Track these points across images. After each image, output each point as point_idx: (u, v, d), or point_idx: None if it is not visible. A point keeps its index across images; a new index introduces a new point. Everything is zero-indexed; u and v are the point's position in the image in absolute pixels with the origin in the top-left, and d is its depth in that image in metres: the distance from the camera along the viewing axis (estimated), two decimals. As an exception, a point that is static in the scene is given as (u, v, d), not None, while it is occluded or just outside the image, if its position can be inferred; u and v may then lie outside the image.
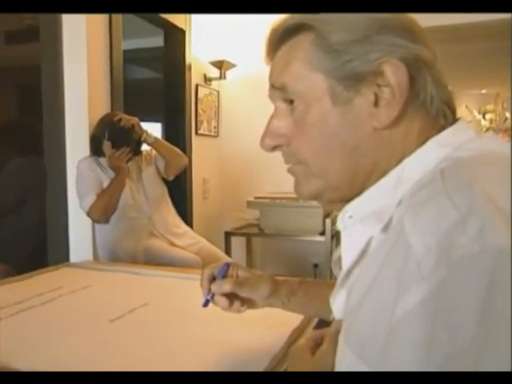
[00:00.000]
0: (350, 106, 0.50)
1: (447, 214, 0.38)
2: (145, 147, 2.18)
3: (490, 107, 7.06)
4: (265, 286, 0.83)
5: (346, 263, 0.55)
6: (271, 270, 3.08)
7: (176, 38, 2.82)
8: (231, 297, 0.81)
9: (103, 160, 2.01)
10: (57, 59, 2.09)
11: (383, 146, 0.51)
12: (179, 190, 2.79)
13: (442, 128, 0.51)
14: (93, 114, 2.10)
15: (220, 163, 3.29)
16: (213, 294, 0.81)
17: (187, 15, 2.83)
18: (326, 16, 0.51)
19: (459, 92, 6.63)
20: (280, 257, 3.15)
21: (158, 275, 1.42)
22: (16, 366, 0.79)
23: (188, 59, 2.86)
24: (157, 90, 3.30)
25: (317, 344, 0.59)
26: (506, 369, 0.32)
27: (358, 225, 0.52)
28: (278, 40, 0.56)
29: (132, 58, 3.41)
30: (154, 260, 1.91)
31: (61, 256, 1.93)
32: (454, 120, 0.53)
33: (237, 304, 0.82)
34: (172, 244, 2.11)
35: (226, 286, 0.80)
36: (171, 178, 2.25)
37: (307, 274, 2.95)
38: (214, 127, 3.22)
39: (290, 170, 0.58)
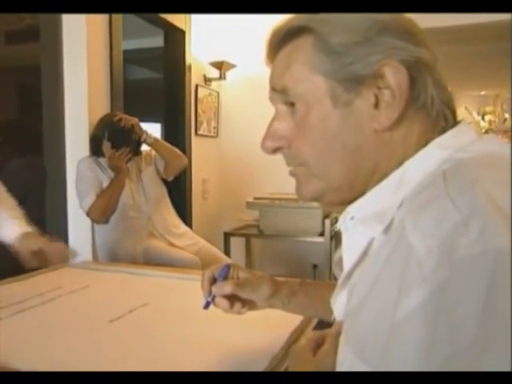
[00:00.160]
0: (350, 107, 0.51)
1: (449, 216, 0.38)
2: (144, 147, 2.19)
3: (489, 108, 7.07)
4: (265, 286, 0.83)
5: (347, 264, 0.55)
6: (270, 270, 3.08)
7: (176, 39, 2.83)
8: (232, 298, 0.81)
9: (103, 160, 2.02)
10: (57, 59, 2.09)
11: (384, 147, 0.51)
12: (179, 191, 2.79)
13: (443, 130, 0.51)
14: (93, 114, 2.10)
15: (219, 164, 3.29)
16: (214, 296, 0.80)
17: (187, 16, 2.83)
18: (326, 18, 0.52)
19: (458, 93, 6.63)
20: (279, 257, 3.15)
21: (158, 275, 1.42)
22: (16, 365, 0.79)
23: (188, 60, 2.86)
24: (156, 91, 3.30)
25: (318, 344, 0.59)
26: (507, 369, 0.32)
27: (360, 226, 0.53)
28: (278, 42, 0.56)
29: (132, 58, 3.41)
30: (154, 260, 1.91)
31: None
32: (455, 122, 0.53)
33: (238, 305, 0.81)
34: (171, 244, 2.11)
35: (227, 288, 0.80)
36: (171, 178, 2.25)
37: (306, 274, 2.95)
38: (214, 128, 3.22)
39: (291, 172, 0.58)
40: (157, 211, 2.13)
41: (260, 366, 0.79)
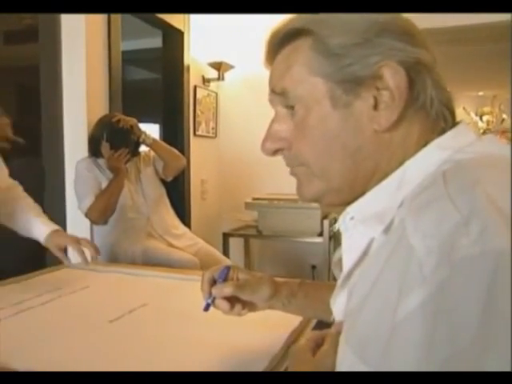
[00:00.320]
0: (349, 109, 0.51)
1: (449, 216, 0.38)
2: (143, 148, 2.19)
3: (487, 109, 7.08)
4: (265, 288, 0.83)
5: (346, 264, 0.55)
6: (269, 271, 3.08)
7: (174, 39, 2.83)
8: (232, 300, 0.81)
9: (101, 161, 2.01)
10: (55, 59, 2.09)
11: (384, 148, 0.52)
12: (177, 191, 2.79)
13: (443, 131, 0.52)
14: (91, 114, 2.10)
15: (218, 164, 3.29)
16: (214, 298, 0.80)
17: (185, 16, 2.83)
18: (324, 19, 0.52)
19: (457, 94, 6.64)
20: (278, 258, 3.15)
21: (157, 276, 1.42)
22: (15, 366, 0.79)
23: (186, 60, 2.86)
24: (155, 91, 3.30)
25: (317, 344, 0.59)
26: (507, 369, 0.32)
27: (360, 226, 0.53)
28: (277, 44, 0.56)
29: (130, 58, 3.40)
30: (153, 261, 1.91)
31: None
32: (454, 123, 0.53)
33: (238, 307, 0.81)
34: (170, 245, 2.11)
35: (227, 290, 0.80)
36: (169, 179, 2.25)
37: (305, 275, 2.95)
38: (212, 128, 3.22)
39: (292, 173, 0.59)
40: (156, 212, 2.13)
41: (259, 366, 0.79)
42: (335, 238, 2.65)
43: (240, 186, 3.17)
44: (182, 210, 2.78)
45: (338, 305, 0.59)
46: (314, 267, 3.01)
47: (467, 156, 0.47)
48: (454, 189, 0.41)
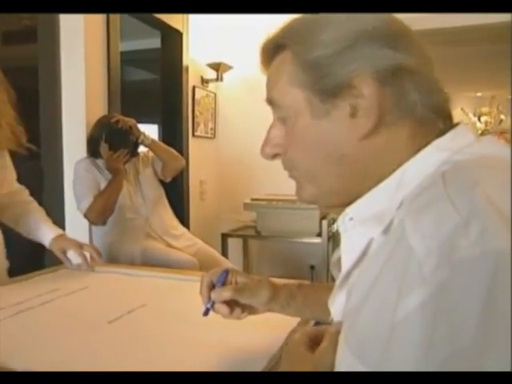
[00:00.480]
0: (328, 118, 0.52)
1: (449, 218, 0.38)
2: (142, 149, 2.19)
3: (485, 110, 7.10)
4: (264, 291, 0.82)
5: (345, 264, 0.56)
6: (268, 271, 3.08)
7: (173, 40, 2.83)
8: (231, 304, 0.80)
9: (100, 161, 2.01)
10: (54, 60, 2.09)
11: (369, 154, 0.52)
12: (176, 192, 2.79)
13: (441, 132, 0.52)
14: (90, 115, 2.10)
15: (217, 165, 3.29)
16: (213, 302, 0.80)
17: (184, 17, 2.83)
18: (300, 34, 0.54)
19: (455, 94, 6.62)
20: (277, 258, 3.15)
21: (156, 277, 1.42)
22: (14, 366, 0.79)
23: (185, 61, 2.87)
24: (154, 92, 3.30)
25: (311, 339, 0.59)
26: (507, 370, 0.33)
27: (359, 227, 0.53)
28: (269, 54, 0.59)
29: (129, 59, 3.41)
30: (152, 261, 1.91)
31: (58, 258, 1.92)
32: (452, 124, 0.54)
33: (237, 311, 0.81)
34: (169, 245, 2.11)
35: (226, 294, 0.79)
36: (168, 179, 2.25)
37: (304, 275, 2.95)
38: (211, 129, 3.22)
39: (290, 176, 0.61)
40: (154, 212, 2.13)
41: (258, 366, 0.79)
42: (334, 239, 2.66)
43: (239, 187, 3.17)
44: (181, 211, 2.78)
45: (337, 305, 0.59)
46: (312, 267, 3.02)
47: (466, 157, 0.47)
48: (454, 190, 0.41)
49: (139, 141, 2.08)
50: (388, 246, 0.43)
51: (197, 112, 3.01)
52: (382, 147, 0.52)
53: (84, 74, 2.08)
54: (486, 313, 0.34)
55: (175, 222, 2.26)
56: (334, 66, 0.51)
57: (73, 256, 1.51)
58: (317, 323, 0.93)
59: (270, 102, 0.58)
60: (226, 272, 0.83)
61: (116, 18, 2.26)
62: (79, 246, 1.50)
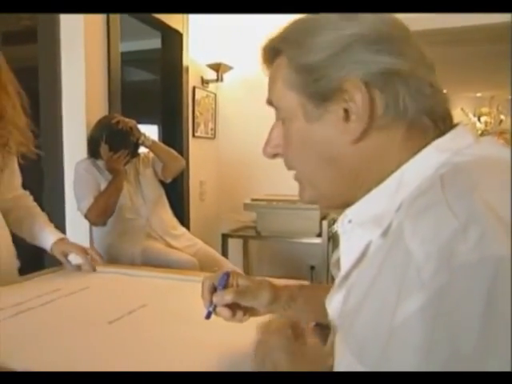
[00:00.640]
0: (321, 121, 0.53)
1: (447, 222, 0.38)
2: (142, 149, 2.19)
3: (485, 110, 7.11)
4: (266, 293, 0.82)
5: (344, 265, 0.56)
6: (268, 272, 3.08)
7: (173, 41, 2.83)
8: (233, 306, 0.80)
9: (101, 162, 2.02)
10: (54, 61, 2.09)
11: (362, 157, 0.53)
12: (176, 192, 2.79)
13: (441, 133, 0.52)
14: (90, 115, 2.10)
15: (217, 165, 3.29)
16: (215, 306, 0.80)
17: (184, 17, 2.83)
18: (294, 38, 0.55)
19: (454, 95, 6.66)
20: (277, 259, 3.15)
21: (156, 277, 1.42)
22: (15, 367, 0.79)
23: (185, 61, 2.87)
24: (154, 92, 3.30)
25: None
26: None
27: (357, 229, 0.54)
28: (270, 56, 0.59)
29: (129, 60, 3.41)
30: (152, 262, 1.91)
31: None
32: (452, 125, 0.54)
33: (239, 314, 0.81)
34: (169, 245, 2.11)
35: (228, 297, 0.79)
36: (169, 180, 2.25)
37: (304, 276, 2.95)
38: (211, 129, 3.22)
39: (294, 177, 0.62)
40: (155, 213, 2.13)
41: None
42: (334, 239, 2.66)
43: (239, 187, 3.17)
44: (181, 211, 2.78)
45: (334, 304, 0.59)
46: (312, 268, 3.02)
47: (465, 158, 0.47)
48: (452, 194, 0.41)
49: (139, 142, 2.08)
50: (386, 249, 0.44)
51: (197, 112, 3.01)
52: (374, 150, 0.52)
53: (84, 75, 2.08)
54: (487, 318, 0.34)
55: (175, 222, 2.26)
56: (326, 70, 0.51)
57: (73, 257, 1.51)
58: (317, 323, 0.94)
59: (270, 103, 0.59)
60: (227, 275, 0.83)
61: (116, 18, 2.26)
62: (81, 249, 1.51)
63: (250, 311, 0.83)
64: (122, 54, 2.36)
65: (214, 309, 0.80)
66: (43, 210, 1.61)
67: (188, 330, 0.97)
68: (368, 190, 0.53)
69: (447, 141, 0.51)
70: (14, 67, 1.39)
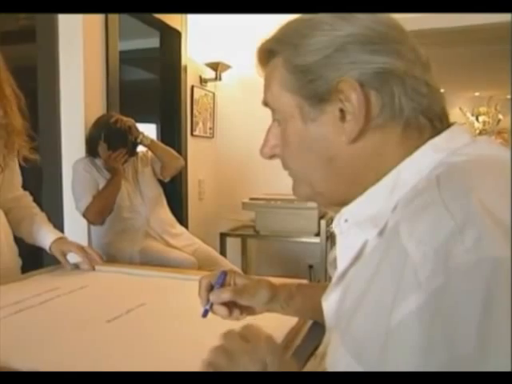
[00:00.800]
0: (317, 122, 0.53)
1: (444, 224, 0.38)
2: (141, 148, 2.19)
3: (483, 109, 7.12)
4: (264, 292, 0.82)
5: (341, 265, 0.56)
6: (266, 271, 3.09)
7: (172, 40, 2.83)
8: (230, 305, 0.80)
9: (99, 161, 2.02)
10: (53, 60, 2.09)
11: (359, 157, 0.53)
12: (175, 192, 2.79)
13: (437, 132, 0.52)
14: (89, 114, 2.10)
15: (215, 164, 3.29)
16: (211, 304, 0.80)
17: (183, 17, 2.83)
18: (290, 40, 0.55)
19: (453, 94, 6.67)
20: (275, 258, 3.16)
21: (155, 276, 1.42)
22: (13, 366, 0.79)
23: (184, 61, 2.86)
24: (152, 91, 3.30)
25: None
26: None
27: (354, 229, 0.54)
28: (265, 58, 0.60)
29: (128, 59, 3.40)
30: (150, 261, 1.91)
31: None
32: (449, 124, 0.54)
33: (236, 312, 0.81)
34: (168, 244, 2.11)
35: (225, 295, 0.79)
36: (167, 179, 2.25)
37: (302, 274, 2.95)
38: (210, 128, 3.22)
39: (289, 174, 0.62)
40: (153, 212, 2.13)
41: (257, 366, 0.79)
42: (332, 238, 2.66)
43: (237, 186, 3.18)
44: (180, 211, 2.78)
45: (329, 302, 0.60)
46: (311, 267, 3.02)
47: (461, 158, 0.47)
48: (448, 195, 0.41)
49: (138, 141, 2.08)
50: (383, 249, 0.44)
51: (195, 111, 3.01)
52: (371, 150, 0.52)
53: (83, 74, 2.08)
54: (484, 318, 0.34)
55: (174, 221, 2.26)
56: (322, 71, 0.52)
57: (72, 256, 1.52)
58: (315, 323, 0.94)
59: (266, 104, 0.60)
60: (224, 274, 0.83)
61: (115, 17, 2.26)
62: (80, 248, 1.51)
63: (247, 310, 0.83)
64: (121, 52, 2.36)
65: (211, 307, 0.80)
66: (42, 208, 1.61)
67: (187, 328, 0.98)
68: (365, 189, 0.53)
69: (443, 140, 0.51)
70: (12, 67, 1.38)
